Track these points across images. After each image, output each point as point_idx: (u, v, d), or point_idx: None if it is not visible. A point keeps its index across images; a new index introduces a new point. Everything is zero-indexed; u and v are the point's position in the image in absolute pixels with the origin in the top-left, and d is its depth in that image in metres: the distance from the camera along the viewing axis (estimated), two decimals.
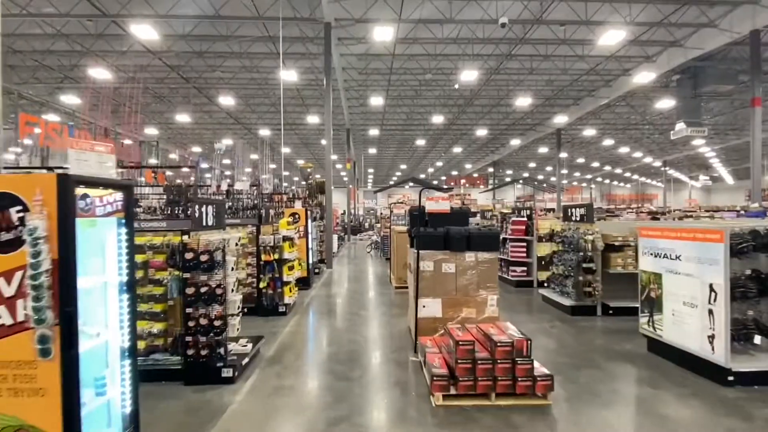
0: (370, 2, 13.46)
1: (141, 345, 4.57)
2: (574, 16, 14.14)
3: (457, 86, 19.21)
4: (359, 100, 23.29)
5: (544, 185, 47.39)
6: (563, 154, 32.75)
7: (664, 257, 4.91)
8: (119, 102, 17.16)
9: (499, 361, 3.78)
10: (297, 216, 9.76)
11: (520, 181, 39.65)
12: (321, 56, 14.56)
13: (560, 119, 25.92)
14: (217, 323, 4.22)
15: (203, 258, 4.17)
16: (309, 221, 10.03)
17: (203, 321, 4.18)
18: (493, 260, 5.24)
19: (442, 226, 5.49)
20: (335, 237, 17.77)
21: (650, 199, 55.45)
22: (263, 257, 7.03)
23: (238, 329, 4.92)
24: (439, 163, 45.63)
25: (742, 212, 12.76)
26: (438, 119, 25.16)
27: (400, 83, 20.49)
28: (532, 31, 15.12)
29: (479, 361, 3.79)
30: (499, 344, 3.79)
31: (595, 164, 45.58)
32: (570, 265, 7.33)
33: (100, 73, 15.88)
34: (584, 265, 6.97)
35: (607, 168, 47.63)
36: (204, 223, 4.50)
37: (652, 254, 5.12)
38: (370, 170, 50.71)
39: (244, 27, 14.99)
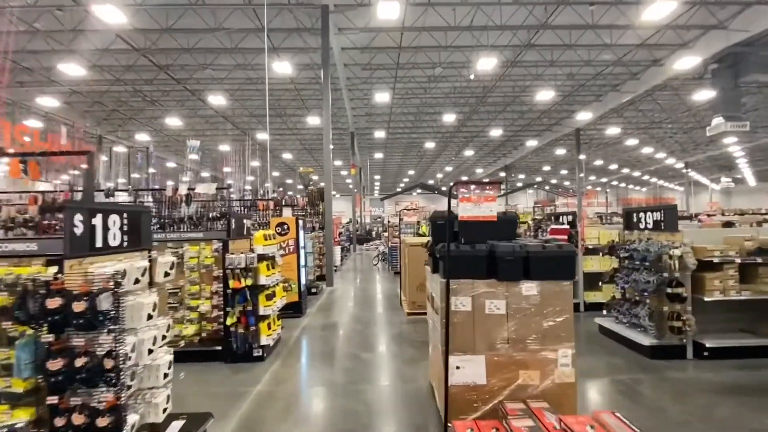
0: None
1: None
2: None
3: (472, 77, 17.42)
4: (363, 100, 21.63)
5: (559, 189, 45.35)
6: (582, 156, 30.75)
7: None
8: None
9: None
10: (285, 227, 7.96)
11: (535, 186, 37.69)
12: (320, 50, 12.91)
13: (581, 117, 24.01)
14: (103, 421, 2.40)
15: (77, 306, 2.37)
16: (301, 232, 8.21)
17: (78, 418, 2.37)
18: (564, 294, 3.38)
19: (481, 241, 3.64)
20: (338, 249, 15.97)
21: (668, 203, 53.05)
22: (231, 283, 5.23)
23: (165, 409, 3.12)
24: (449, 168, 43.79)
25: None
26: (449, 118, 23.42)
27: (407, 79, 18.79)
28: (556, 14, 13.36)
29: None
30: None
31: (613, 167, 43.39)
32: (644, 289, 5.43)
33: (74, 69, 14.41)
34: (669, 290, 5.07)
35: (625, 171, 45.39)
36: (97, 244, 2.72)
37: None
38: (377, 177, 49.00)
39: (233, 17, 13.42)
